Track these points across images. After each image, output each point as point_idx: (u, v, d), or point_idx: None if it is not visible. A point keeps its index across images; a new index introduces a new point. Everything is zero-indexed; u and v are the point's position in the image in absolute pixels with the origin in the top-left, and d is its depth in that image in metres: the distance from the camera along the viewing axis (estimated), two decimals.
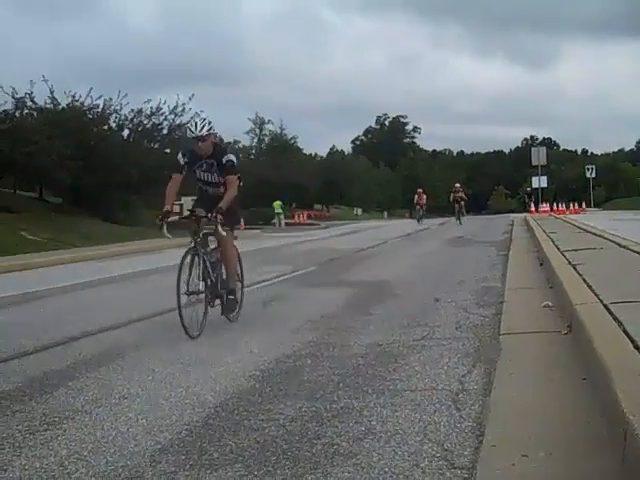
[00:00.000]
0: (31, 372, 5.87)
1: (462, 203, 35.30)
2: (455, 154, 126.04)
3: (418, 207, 38.06)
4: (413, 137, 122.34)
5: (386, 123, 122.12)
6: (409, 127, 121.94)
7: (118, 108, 31.86)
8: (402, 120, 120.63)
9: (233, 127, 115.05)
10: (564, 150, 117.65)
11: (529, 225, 24.68)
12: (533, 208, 43.68)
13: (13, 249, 18.63)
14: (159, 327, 8.06)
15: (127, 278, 14.00)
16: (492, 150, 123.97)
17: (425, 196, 38.54)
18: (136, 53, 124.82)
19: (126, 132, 33.26)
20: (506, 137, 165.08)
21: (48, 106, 29.84)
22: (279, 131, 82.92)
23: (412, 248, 19.75)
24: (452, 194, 35.97)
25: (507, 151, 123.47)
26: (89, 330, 7.74)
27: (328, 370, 5.49)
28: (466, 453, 3.58)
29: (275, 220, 46.73)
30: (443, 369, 5.31)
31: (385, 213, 76.79)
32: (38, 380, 5.58)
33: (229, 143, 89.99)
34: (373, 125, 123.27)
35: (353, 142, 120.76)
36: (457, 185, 36.65)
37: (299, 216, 52.85)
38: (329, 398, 4.71)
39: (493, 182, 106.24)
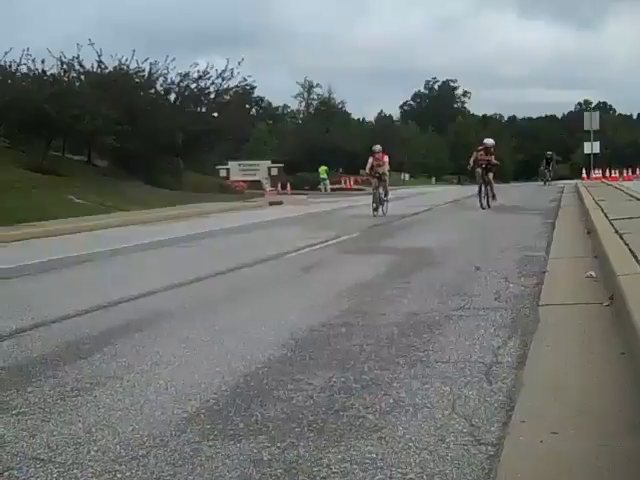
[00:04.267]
0: (69, 336, 5.91)
1: (490, 174, 21.02)
2: (506, 119, 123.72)
3: (375, 179, 20.43)
4: (463, 102, 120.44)
5: (435, 87, 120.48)
6: (459, 92, 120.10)
7: (165, 72, 32.00)
8: (452, 84, 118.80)
9: (279, 91, 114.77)
10: (619, 115, 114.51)
11: (579, 192, 24.19)
12: (585, 175, 42.82)
13: (60, 213, 18.89)
14: (197, 293, 8.10)
15: (173, 243, 14.05)
16: (544, 115, 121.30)
17: (387, 158, 20.67)
18: (175, 16, 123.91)
19: (173, 96, 33.41)
20: (559, 101, 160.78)
21: (95, 70, 30.02)
22: (327, 95, 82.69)
23: (457, 215, 19.55)
24: (474, 154, 21.71)
25: (560, 116, 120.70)
26: (129, 295, 7.79)
27: (362, 339, 5.43)
28: (493, 429, 3.50)
29: (321, 185, 46.64)
30: (478, 340, 5.22)
31: (433, 179, 76.06)
32: (74, 345, 5.63)
33: (277, 108, 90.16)
34: (422, 89, 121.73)
35: (401, 107, 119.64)
36: (487, 141, 21.97)
37: (346, 181, 52.58)
38: (360, 369, 4.65)
39: (545, 148, 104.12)
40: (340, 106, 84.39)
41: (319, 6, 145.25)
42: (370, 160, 20.60)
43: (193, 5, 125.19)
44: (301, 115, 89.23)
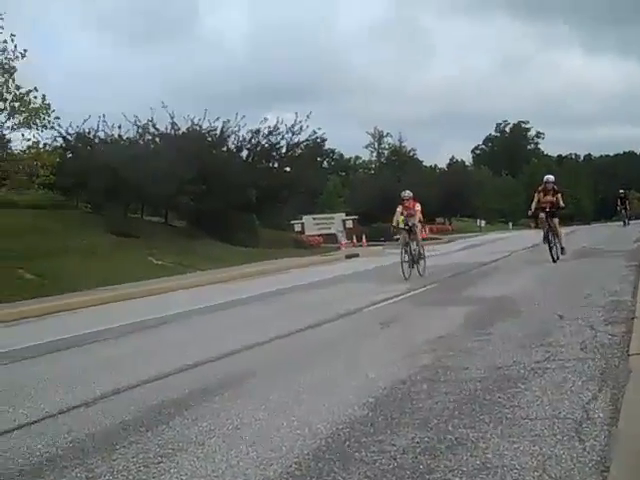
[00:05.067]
0: (150, 401, 5.96)
1: (554, 220, 17.31)
2: (582, 158, 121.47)
3: (405, 233, 17.56)
4: (537, 143, 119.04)
5: (507, 130, 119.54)
6: (531, 133, 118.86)
7: (236, 130, 32.65)
8: (523, 126, 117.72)
9: (350, 143, 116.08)
10: None
11: None
12: None
13: (141, 274, 19.30)
14: (277, 352, 8.09)
15: (251, 301, 14.14)
16: (622, 152, 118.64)
17: (419, 206, 17.92)
18: (236, 73, 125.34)
19: (245, 153, 34.00)
20: (636, 137, 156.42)
21: (169, 132, 30.88)
22: (398, 144, 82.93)
23: (536, 260, 19.09)
24: (535, 195, 18.09)
25: (639, 152, 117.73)
26: (209, 356, 7.82)
27: (443, 396, 5.30)
28: None
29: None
30: (566, 395, 5.03)
31: (510, 224, 74.93)
32: (156, 409, 5.66)
33: (349, 159, 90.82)
34: (493, 133, 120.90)
35: (473, 151, 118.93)
36: (546, 178, 18.15)
37: (421, 230, 52.24)
38: (443, 428, 4.53)
39: (625, 186, 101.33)
40: (411, 154, 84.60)
41: (383, 56, 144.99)
42: (399, 209, 17.30)
43: (260, 63, 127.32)
44: (373, 165, 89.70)
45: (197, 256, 24.20)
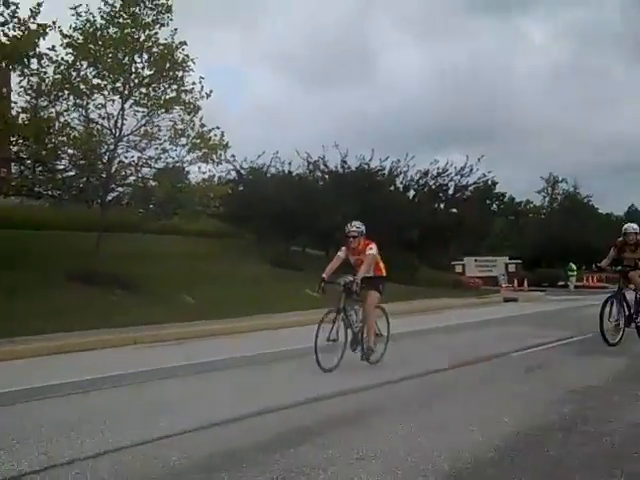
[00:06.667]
0: (283, 426, 6.08)
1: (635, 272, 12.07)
2: None
3: (342, 289, 9.74)
4: None
5: None
6: None
7: (405, 170, 32.82)
8: None
9: (521, 185, 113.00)
10: None
11: None
12: None
13: (296, 305, 19.69)
14: (416, 389, 8.07)
15: (401, 337, 14.08)
16: None
17: (374, 248, 10.18)
18: (409, 114, 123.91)
19: (411, 193, 34.07)
20: None
21: (339, 170, 31.51)
22: (572, 190, 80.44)
23: None
24: (611, 250, 12.38)
25: None
26: (347, 388, 7.89)
27: (576, 447, 5.11)
28: None
29: (569, 282, 44.89)
30: None
31: None
32: (287, 435, 5.78)
33: (520, 203, 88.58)
34: None
35: None
36: (627, 227, 12.41)
37: (588, 279, 50.17)
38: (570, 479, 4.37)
39: None
40: (586, 200, 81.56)
41: (563, 101, 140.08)
42: (340, 253, 10.33)
43: (434, 104, 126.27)
44: (544, 210, 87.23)
45: None
